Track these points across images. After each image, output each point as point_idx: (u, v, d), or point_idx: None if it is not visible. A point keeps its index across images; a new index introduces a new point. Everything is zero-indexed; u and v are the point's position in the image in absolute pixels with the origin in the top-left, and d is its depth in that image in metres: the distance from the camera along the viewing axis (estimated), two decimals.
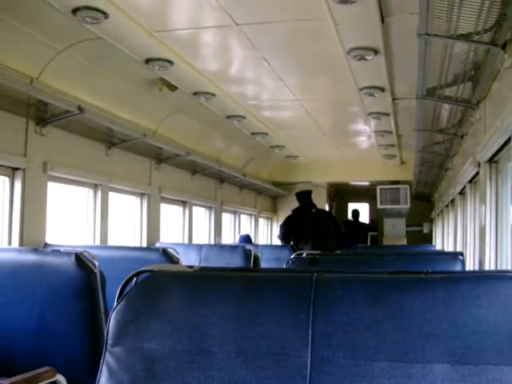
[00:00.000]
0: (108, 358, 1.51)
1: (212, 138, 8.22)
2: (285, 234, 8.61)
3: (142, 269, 1.62)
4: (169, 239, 7.47)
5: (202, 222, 9.16)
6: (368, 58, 4.57)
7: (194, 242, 8.30)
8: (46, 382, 2.53)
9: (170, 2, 3.91)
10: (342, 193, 15.04)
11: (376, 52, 4.50)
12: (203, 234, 9.12)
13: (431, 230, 13.40)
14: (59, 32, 4.26)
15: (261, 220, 12.40)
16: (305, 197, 8.88)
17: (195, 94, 5.94)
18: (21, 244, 4.58)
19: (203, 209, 9.13)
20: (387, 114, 6.77)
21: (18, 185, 4.63)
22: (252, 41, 4.46)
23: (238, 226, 10.75)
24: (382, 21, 3.91)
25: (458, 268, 3.54)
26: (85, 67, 4.89)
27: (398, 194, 11.67)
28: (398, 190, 11.68)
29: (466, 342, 1.32)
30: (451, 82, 3.89)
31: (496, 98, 3.72)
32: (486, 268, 4.14)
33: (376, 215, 14.40)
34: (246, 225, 11.62)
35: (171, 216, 7.97)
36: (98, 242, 5.76)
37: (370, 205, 15.20)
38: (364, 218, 14.76)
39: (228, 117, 7.08)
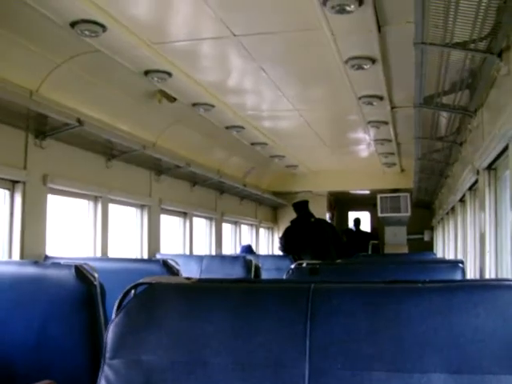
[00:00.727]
0: (106, 371, 1.51)
1: (212, 148, 8.23)
2: (285, 246, 8.60)
3: (140, 281, 1.62)
4: (169, 250, 7.46)
5: (203, 232, 9.15)
6: (366, 67, 4.58)
7: (195, 253, 8.29)
8: None
9: (168, 14, 3.93)
10: (342, 202, 15.02)
11: (373, 61, 4.51)
12: (204, 245, 9.12)
13: (432, 238, 13.38)
14: (58, 45, 4.28)
15: (261, 230, 12.39)
16: (302, 207, 8.85)
17: (194, 105, 5.96)
18: (21, 257, 4.58)
19: (204, 220, 9.12)
20: (386, 123, 6.78)
21: (18, 198, 4.64)
22: (250, 52, 4.48)
23: (238, 237, 10.74)
24: (379, 30, 3.93)
25: (459, 276, 3.54)
26: (84, 80, 4.91)
27: (399, 202, 11.66)
28: (398, 198, 11.67)
29: (463, 352, 1.32)
30: (448, 90, 3.91)
31: (493, 106, 3.73)
32: (487, 275, 4.13)
33: (377, 223, 14.38)
34: (247, 235, 11.61)
35: (172, 227, 7.97)
36: (98, 254, 5.76)
37: (370, 213, 15.18)
38: (365, 226, 14.74)
39: (227, 127, 7.09)
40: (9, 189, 4.62)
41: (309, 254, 8.14)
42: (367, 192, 12.67)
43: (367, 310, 1.39)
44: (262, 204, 11.86)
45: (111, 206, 6.06)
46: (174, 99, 5.67)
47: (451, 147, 5.83)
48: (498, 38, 2.80)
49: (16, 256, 4.57)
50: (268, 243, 12.95)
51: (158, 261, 4.46)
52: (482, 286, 1.42)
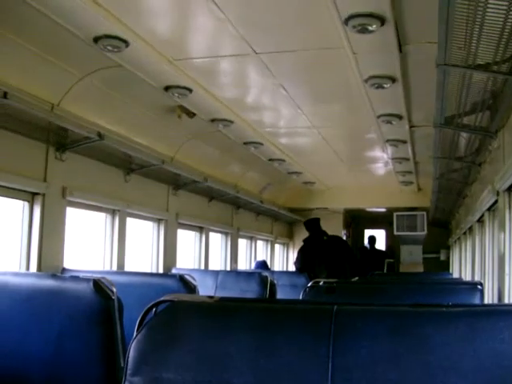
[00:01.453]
0: None
1: (229, 164, 8.26)
2: (300, 265, 8.57)
3: (162, 299, 1.62)
4: (185, 265, 7.47)
5: (219, 247, 9.16)
6: (386, 86, 4.58)
7: (210, 267, 8.29)
8: None
9: (190, 31, 3.96)
10: (358, 219, 14.98)
11: (394, 80, 4.51)
12: (219, 260, 9.11)
13: (448, 257, 13.29)
14: (80, 59, 4.33)
15: (277, 246, 12.37)
16: (313, 225, 8.83)
17: (213, 120, 5.98)
18: (39, 269, 4.60)
19: (219, 234, 9.13)
20: (404, 142, 6.77)
21: (37, 210, 4.67)
22: (270, 69, 4.50)
23: (254, 252, 10.73)
24: (400, 49, 3.94)
25: (477, 298, 3.51)
26: (105, 94, 4.95)
27: (415, 220, 11.61)
28: (415, 216, 11.62)
29: (488, 377, 1.30)
30: (469, 111, 3.90)
31: None
32: (506, 298, 4.09)
33: (392, 242, 14.32)
34: (262, 251, 11.60)
35: (187, 241, 7.98)
36: (115, 267, 5.78)
37: (386, 231, 15.11)
38: (380, 244, 14.67)
39: (245, 143, 7.11)
40: (28, 201, 4.66)
41: (323, 272, 8.13)
42: (383, 210, 12.62)
43: (391, 334, 1.38)
44: (278, 220, 11.85)
45: (128, 219, 6.08)
46: (194, 115, 5.69)
47: (470, 167, 5.80)
48: None
49: (34, 268, 4.60)
50: (283, 259, 12.92)
51: (174, 276, 4.46)
52: (507, 311, 1.41)
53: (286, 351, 1.42)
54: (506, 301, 4.07)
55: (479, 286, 3.70)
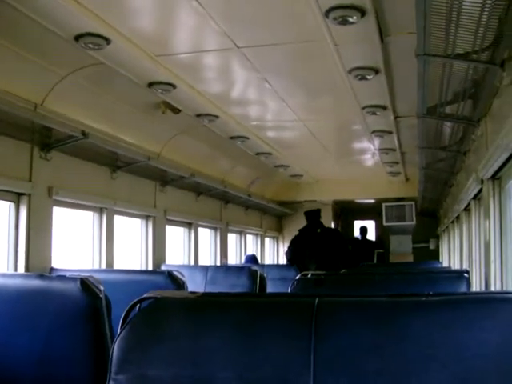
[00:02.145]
0: None
1: (216, 159, 8.25)
2: (291, 255, 8.64)
3: (145, 295, 1.63)
4: (174, 261, 7.47)
5: (208, 243, 9.16)
6: (369, 77, 4.59)
7: (200, 263, 8.29)
8: None
9: (172, 27, 3.95)
10: (347, 211, 15.02)
11: (376, 71, 4.52)
12: (209, 255, 9.12)
13: (437, 246, 13.36)
14: (62, 58, 4.31)
15: (267, 239, 12.39)
16: (311, 216, 8.93)
17: (198, 116, 5.97)
18: (27, 269, 4.59)
19: (208, 230, 9.13)
20: (390, 132, 6.78)
21: (23, 210, 4.65)
22: (253, 63, 4.49)
23: (243, 247, 10.74)
24: (382, 40, 3.94)
25: (464, 286, 3.54)
26: (88, 92, 4.93)
27: (404, 210, 11.66)
28: (403, 206, 11.67)
29: (469, 366, 1.31)
30: (451, 100, 3.91)
31: (497, 116, 3.73)
32: (492, 285, 4.12)
33: (382, 232, 14.37)
34: (252, 245, 11.61)
35: (177, 238, 7.97)
36: (103, 266, 5.76)
37: (375, 222, 15.17)
38: (370, 235, 14.73)
39: (232, 138, 7.10)
40: (14, 201, 4.64)
41: (314, 264, 8.19)
42: (372, 201, 12.66)
43: (371, 325, 1.39)
44: (267, 213, 11.86)
45: (116, 217, 6.07)
46: (179, 110, 5.68)
47: (455, 156, 5.82)
48: (499, 49, 2.81)
49: (21, 268, 4.58)
50: (273, 252, 12.95)
51: (163, 272, 4.46)
52: (487, 298, 1.42)
53: (269, 345, 1.43)
54: (493, 288, 4.10)
55: (465, 275, 3.74)
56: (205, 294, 1.65)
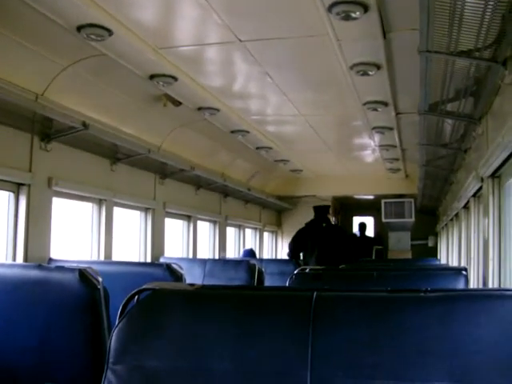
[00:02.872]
0: (109, 376, 1.52)
1: (216, 152, 8.24)
2: (293, 247, 8.70)
3: (144, 287, 1.63)
4: (173, 253, 7.47)
5: (207, 236, 9.16)
6: (371, 73, 4.58)
7: (199, 256, 8.30)
8: None
9: (174, 19, 3.94)
10: (346, 207, 15.02)
11: (378, 67, 4.52)
12: (207, 249, 9.13)
13: (436, 244, 13.36)
14: (64, 49, 4.30)
15: (265, 234, 12.39)
16: (320, 211, 9.02)
17: (199, 109, 5.96)
18: (25, 259, 4.60)
19: (207, 223, 9.14)
20: (391, 129, 6.77)
21: (22, 200, 4.66)
22: (255, 57, 4.49)
23: (242, 240, 10.75)
24: (384, 36, 3.94)
25: (462, 284, 3.54)
26: (90, 83, 4.92)
27: (403, 207, 11.66)
28: (402, 203, 11.67)
29: (465, 361, 1.32)
30: (453, 98, 3.91)
31: (498, 114, 3.73)
32: (490, 283, 4.13)
33: (381, 229, 14.38)
34: (251, 239, 11.62)
35: (176, 230, 7.98)
36: (102, 257, 5.77)
37: (374, 218, 15.16)
38: (369, 231, 14.73)
39: (232, 132, 7.10)
40: (14, 191, 4.64)
41: (314, 258, 8.25)
42: (372, 197, 12.66)
43: (369, 319, 1.39)
44: (266, 208, 11.87)
45: (115, 209, 6.07)
46: (180, 103, 5.68)
47: (456, 154, 5.83)
48: (502, 47, 2.81)
49: (20, 259, 4.59)
50: (272, 247, 12.96)
51: (161, 265, 4.46)
52: (484, 295, 1.42)
53: (267, 337, 1.43)
54: (490, 285, 4.11)
55: (464, 272, 3.74)
56: (203, 287, 1.65)
